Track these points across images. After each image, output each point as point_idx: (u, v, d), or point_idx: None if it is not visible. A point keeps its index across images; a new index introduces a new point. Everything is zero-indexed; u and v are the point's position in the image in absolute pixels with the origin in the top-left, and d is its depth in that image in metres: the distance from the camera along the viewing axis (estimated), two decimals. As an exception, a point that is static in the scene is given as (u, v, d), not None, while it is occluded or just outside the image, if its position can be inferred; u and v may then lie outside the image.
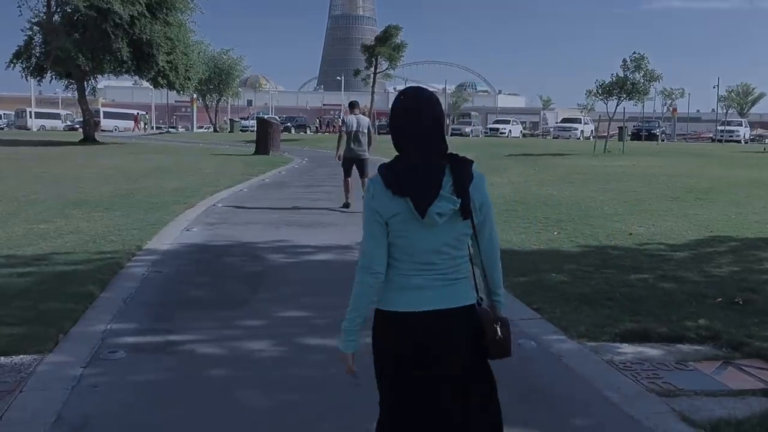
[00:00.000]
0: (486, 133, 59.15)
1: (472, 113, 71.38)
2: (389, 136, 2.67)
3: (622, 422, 3.79)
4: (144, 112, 77.35)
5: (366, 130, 12.29)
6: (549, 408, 3.97)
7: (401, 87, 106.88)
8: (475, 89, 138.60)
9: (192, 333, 5.19)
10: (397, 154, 2.53)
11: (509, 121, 61.66)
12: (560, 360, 4.78)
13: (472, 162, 2.52)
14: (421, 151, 2.46)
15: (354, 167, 12.37)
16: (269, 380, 4.33)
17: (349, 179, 12.45)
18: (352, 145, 12.28)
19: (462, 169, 2.47)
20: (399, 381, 2.48)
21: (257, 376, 4.40)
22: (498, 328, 2.51)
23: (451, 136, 57.16)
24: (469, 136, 56.21)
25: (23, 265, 7.29)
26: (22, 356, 4.66)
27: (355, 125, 12.24)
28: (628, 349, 4.99)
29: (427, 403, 2.46)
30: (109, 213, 11.07)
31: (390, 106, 2.63)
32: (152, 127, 70.78)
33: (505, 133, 57.26)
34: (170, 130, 68.73)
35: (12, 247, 8.26)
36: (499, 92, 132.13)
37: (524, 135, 62.15)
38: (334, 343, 4.76)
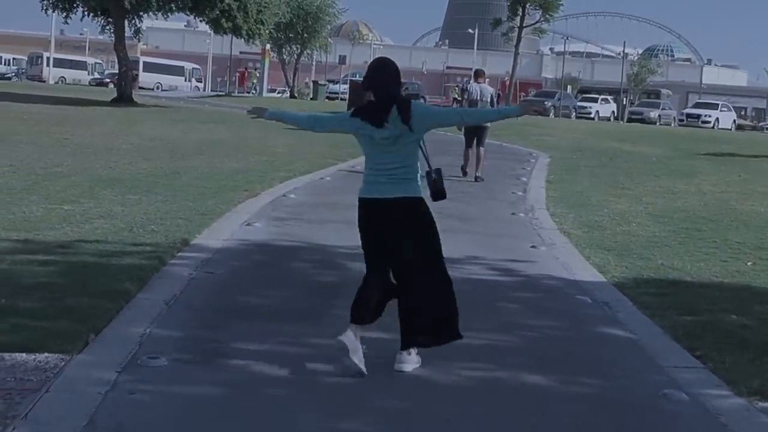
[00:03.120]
0: (681, 120, 58.42)
1: (663, 91, 70.48)
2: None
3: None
4: (254, 68, 77.64)
5: (488, 99, 17.10)
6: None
7: (559, 47, 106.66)
8: (672, 56, 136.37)
9: (247, 346, 6.01)
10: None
11: (717, 105, 60.60)
12: (718, 419, 5.28)
13: (410, 101, 5.68)
14: (382, 97, 5.68)
15: (474, 138, 17.21)
16: (334, 407, 5.06)
17: (470, 150, 17.33)
18: None
19: (404, 105, 5.60)
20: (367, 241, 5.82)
21: (320, 401, 5.14)
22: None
23: (627, 121, 56.87)
24: (654, 123, 55.68)
25: (44, 253, 8.38)
26: (46, 354, 5.58)
27: (477, 93, 17.10)
28: (815, 415, 5.40)
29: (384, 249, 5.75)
30: (148, 196, 12.21)
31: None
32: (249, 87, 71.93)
33: (708, 122, 56.39)
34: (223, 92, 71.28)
35: (29, 230, 9.43)
36: (707, 62, 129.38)
37: (739, 126, 60.85)
38: (419, 374, 5.48)
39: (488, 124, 17.20)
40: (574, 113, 58.80)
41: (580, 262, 9.82)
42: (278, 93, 75.75)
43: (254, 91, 72.12)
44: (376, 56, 6.68)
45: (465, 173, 17.21)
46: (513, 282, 8.71)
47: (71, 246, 8.73)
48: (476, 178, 16.99)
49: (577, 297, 8.10)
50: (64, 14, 38.85)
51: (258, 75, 75.02)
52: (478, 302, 7.63)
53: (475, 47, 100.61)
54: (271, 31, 45.55)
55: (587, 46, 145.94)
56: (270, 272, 8.44)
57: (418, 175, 5.76)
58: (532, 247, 10.53)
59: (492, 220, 12.52)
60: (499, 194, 15.55)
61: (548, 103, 57.59)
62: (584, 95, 66.94)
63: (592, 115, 58.56)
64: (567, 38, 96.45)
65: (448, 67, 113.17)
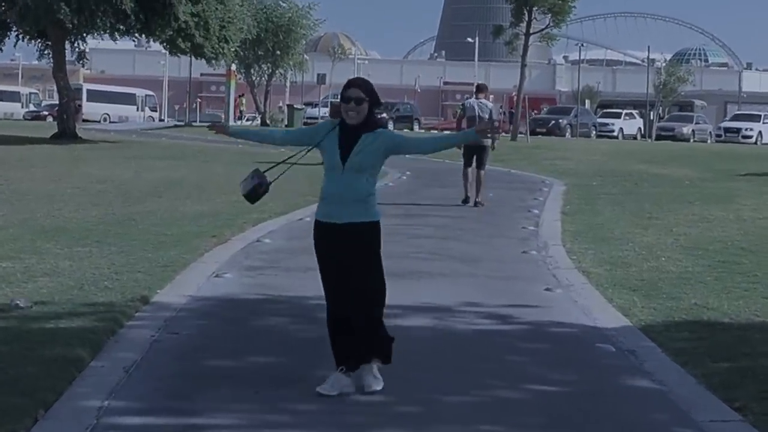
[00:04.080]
0: (719, 136, 58.84)
1: (696, 102, 71.07)
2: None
3: None
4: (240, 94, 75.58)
5: (487, 116, 18.46)
6: None
7: (575, 55, 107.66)
8: (705, 61, 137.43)
9: (221, 416, 6.16)
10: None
11: (759, 116, 61.03)
12: (758, 478, 5.46)
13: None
14: None
15: (474, 157, 18.66)
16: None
17: (468, 170, 18.77)
18: None
19: None
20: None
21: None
22: None
23: (656, 139, 57.27)
24: (687, 139, 56.06)
25: (-19, 318, 8.53)
26: (-10, 435, 5.74)
27: (476, 109, 18.66)
28: None
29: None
30: (100, 248, 12.40)
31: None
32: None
33: (750, 136, 56.79)
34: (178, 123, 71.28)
35: (-37, 292, 9.57)
36: (747, 67, 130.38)
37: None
38: None
39: (489, 143, 18.66)
40: (594, 131, 59.26)
41: (602, 304, 10.03)
42: (247, 120, 76.03)
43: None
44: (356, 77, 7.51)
45: (467, 200, 18.69)
46: (523, 331, 8.89)
47: (12, 309, 8.87)
48: (476, 203, 18.53)
49: (598, 345, 8.29)
50: (-3, 40, 39.21)
51: (244, 102, 74.60)
52: (483, 356, 7.84)
53: (476, 58, 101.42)
54: (237, 49, 45.85)
55: (607, 52, 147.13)
56: (244, 330, 8.59)
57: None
58: (546, 289, 10.73)
59: (499, 261, 12.74)
60: (507, 230, 15.77)
61: (563, 121, 58.14)
62: (605, 110, 67.56)
63: (615, 133, 59.04)
64: (583, 44, 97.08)
65: (445, 83, 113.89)
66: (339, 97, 6.83)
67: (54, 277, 10.39)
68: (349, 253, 6.67)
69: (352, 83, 6.72)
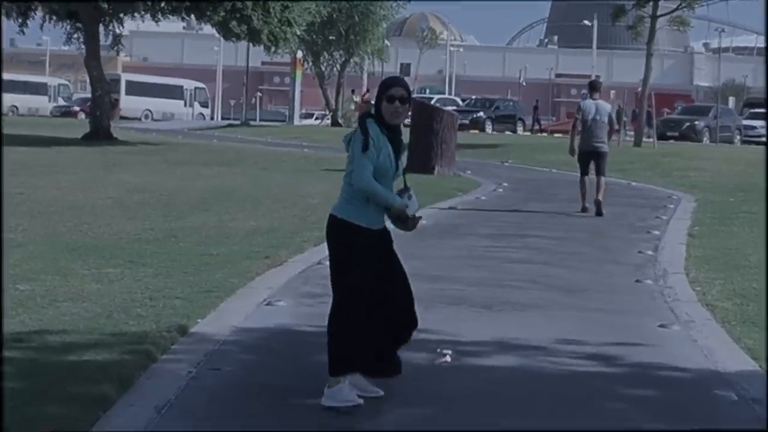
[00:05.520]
0: None
1: None
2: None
3: None
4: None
5: (606, 119, 20.04)
6: None
7: (714, 42, 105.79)
8: None
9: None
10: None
11: None
12: None
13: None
14: None
15: (591, 163, 20.26)
16: None
17: (586, 178, 20.42)
18: (589, 136, 20.05)
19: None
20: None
21: None
22: None
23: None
24: None
25: (-5, 348, 8.88)
26: (3, 482, 6.07)
27: (592, 112, 19.99)
28: None
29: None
30: (133, 269, 12.75)
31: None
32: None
33: None
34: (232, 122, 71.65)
35: (-25, 318, 9.95)
36: None
37: None
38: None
39: (606, 148, 20.11)
40: (737, 136, 58.61)
41: (727, 345, 10.09)
42: (316, 119, 76.31)
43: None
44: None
45: (585, 209, 20.01)
46: (629, 374, 8.98)
47: (30, 338, 9.16)
48: (597, 204, 19.78)
49: (718, 392, 8.35)
50: (20, 21, 39.72)
51: (355, 99, 73.45)
52: (579, 402, 7.97)
53: (594, 45, 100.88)
54: (303, 33, 45.84)
55: (758, 38, 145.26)
56: (296, 367, 8.76)
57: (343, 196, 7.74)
58: (661, 326, 10.81)
59: (607, 291, 12.85)
60: (620, 254, 15.83)
61: (700, 123, 57.59)
62: (753, 110, 66.56)
63: (764, 138, 58.30)
64: (721, 29, 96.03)
65: (557, 75, 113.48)
66: (377, 96, 7.54)
67: (79, 303, 10.71)
68: (393, 258, 7.72)
69: (396, 82, 7.58)
